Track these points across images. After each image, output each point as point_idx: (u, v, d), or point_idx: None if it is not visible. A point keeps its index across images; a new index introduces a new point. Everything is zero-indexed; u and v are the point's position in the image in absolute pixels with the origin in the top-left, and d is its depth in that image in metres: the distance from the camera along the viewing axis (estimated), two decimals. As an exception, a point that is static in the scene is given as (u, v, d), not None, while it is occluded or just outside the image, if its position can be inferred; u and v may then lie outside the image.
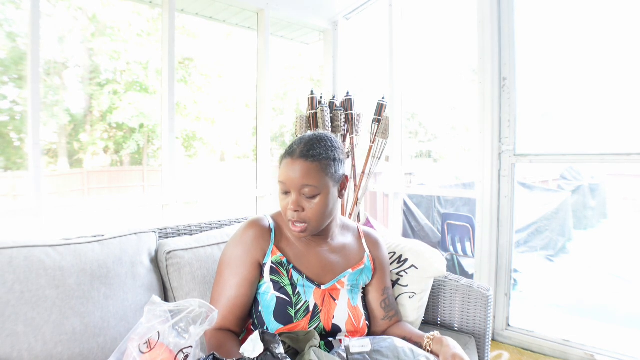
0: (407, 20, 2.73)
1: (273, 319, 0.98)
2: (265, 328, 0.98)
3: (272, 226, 1.06)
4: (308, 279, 1.03)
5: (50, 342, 0.93)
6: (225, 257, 1.03)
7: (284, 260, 1.03)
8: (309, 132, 1.06)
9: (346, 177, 1.06)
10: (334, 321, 1.02)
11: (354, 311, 1.05)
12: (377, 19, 2.93)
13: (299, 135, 1.06)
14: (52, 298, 0.96)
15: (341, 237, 1.13)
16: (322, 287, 1.03)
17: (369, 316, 1.12)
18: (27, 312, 0.92)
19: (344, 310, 1.03)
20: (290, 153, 0.99)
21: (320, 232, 1.07)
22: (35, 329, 0.92)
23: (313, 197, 0.98)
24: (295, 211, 0.97)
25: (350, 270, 1.09)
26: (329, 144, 1.02)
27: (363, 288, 1.14)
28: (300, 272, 1.03)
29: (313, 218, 0.98)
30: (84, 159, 11.58)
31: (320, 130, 1.10)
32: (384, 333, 1.12)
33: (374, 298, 1.14)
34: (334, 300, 1.03)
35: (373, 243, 1.18)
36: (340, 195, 1.05)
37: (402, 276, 1.31)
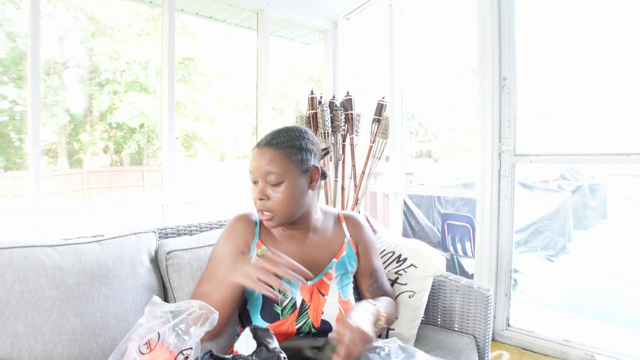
0: (407, 20, 2.73)
1: (260, 317, 0.97)
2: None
3: (257, 220, 1.08)
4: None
5: (50, 342, 0.93)
6: (213, 251, 1.07)
7: (269, 253, 1.00)
8: (289, 126, 1.06)
9: (317, 167, 1.03)
10: (323, 317, 0.99)
11: (346, 306, 1.02)
12: (377, 19, 2.92)
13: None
14: (52, 298, 0.96)
15: (323, 228, 1.10)
16: (309, 282, 1.01)
17: None
18: (27, 312, 0.92)
19: (334, 306, 1.01)
20: (257, 144, 1.01)
21: (298, 225, 1.04)
22: (35, 329, 0.92)
23: (278, 184, 0.97)
24: (261, 199, 0.97)
25: (335, 260, 1.06)
26: (297, 134, 1.01)
27: (353, 275, 1.12)
28: None
29: (279, 207, 0.97)
30: (84, 159, 11.58)
31: (295, 125, 1.08)
32: None
33: (363, 284, 1.13)
34: (323, 295, 1.01)
35: (354, 225, 1.14)
36: (311, 187, 1.02)
37: (401, 275, 1.31)
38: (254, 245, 1.03)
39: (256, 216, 1.08)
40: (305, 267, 1.01)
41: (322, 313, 1.00)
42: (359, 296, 1.14)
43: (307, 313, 0.98)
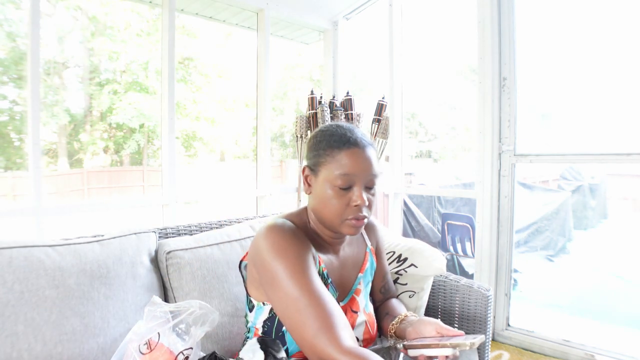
0: (407, 20, 2.73)
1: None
2: (285, 348, 0.86)
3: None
4: (337, 296, 0.95)
5: (50, 342, 0.93)
6: (279, 273, 0.80)
7: (325, 273, 0.92)
8: (337, 122, 0.96)
9: None
10: (376, 342, 0.98)
11: (369, 318, 1.00)
12: (377, 18, 2.92)
13: (330, 125, 0.94)
14: (52, 298, 0.96)
15: (351, 237, 1.05)
16: (341, 303, 0.95)
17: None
18: (27, 312, 0.92)
19: (361, 320, 0.98)
20: (354, 142, 0.87)
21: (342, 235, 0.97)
22: (35, 329, 0.92)
23: (372, 188, 0.89)
24: (366, 205, 0.87)
25: (360, 274, 1.02)
26: None
27: None
28: (335, 289, 0.93)
29: (371, 212, 0.90)
30: (84, 159, 11.58)
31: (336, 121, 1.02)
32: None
33: (375, 285, 1.10)
34: (355, 312, 0.97)
35: (372, 229, 1.10)
36: None
37: (401, 275, 1.30)
38: (317, 257, 0.90)
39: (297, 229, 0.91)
40: (340, 283, 0.96)
41: (353, 329, 0.96)
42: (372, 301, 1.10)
43: None
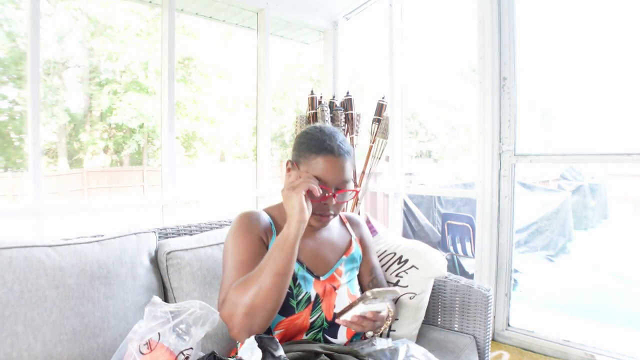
0: (407, 20, 2.72)
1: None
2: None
3: (270, 219, 1.07)
4: (308, 270, 1.03)
5: (49, 342, 0.93)
6: (230, 248, 1.00)
7: None
8: (322, 125, 1.05)
9: None
10: (335, 310, 1.03)
11: (354, 300, 1.05)
12: (377, 18, 2.92)
13: (314, 128, 1.04)
14: (51, 298, 0.96)
15: (330, 227, 1.15)
16: (321, 278, 1.04)
17: None
18: (26, 312, 0.92)
19: (344, 299, 1.05)
20: (329, 150, 0.97)
21: None
22: (35, 329, 0.92)
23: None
24: (334, 205, 1.00)
25: (344, 257, 1.11)
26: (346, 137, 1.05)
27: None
28: (300, 263, 1.03)
29: (339, 211, 1.03)
30: (83, 159, 11.57)
31: (321, 123, 1.09)
32: None
33: (364, 280, 1.18)
34: (335, 289, 1.05)
35: (356, 224, 1.22)
36: None
37: (402, 277, 1.30)
38: (272, 242, 1.03)
39: (266, 216, 1.07)
40: (317, 262, 1.07)
41: (334, 307, 1.03)
42: (362, 291, 1.16)
43: (320, 307, 1.01)
